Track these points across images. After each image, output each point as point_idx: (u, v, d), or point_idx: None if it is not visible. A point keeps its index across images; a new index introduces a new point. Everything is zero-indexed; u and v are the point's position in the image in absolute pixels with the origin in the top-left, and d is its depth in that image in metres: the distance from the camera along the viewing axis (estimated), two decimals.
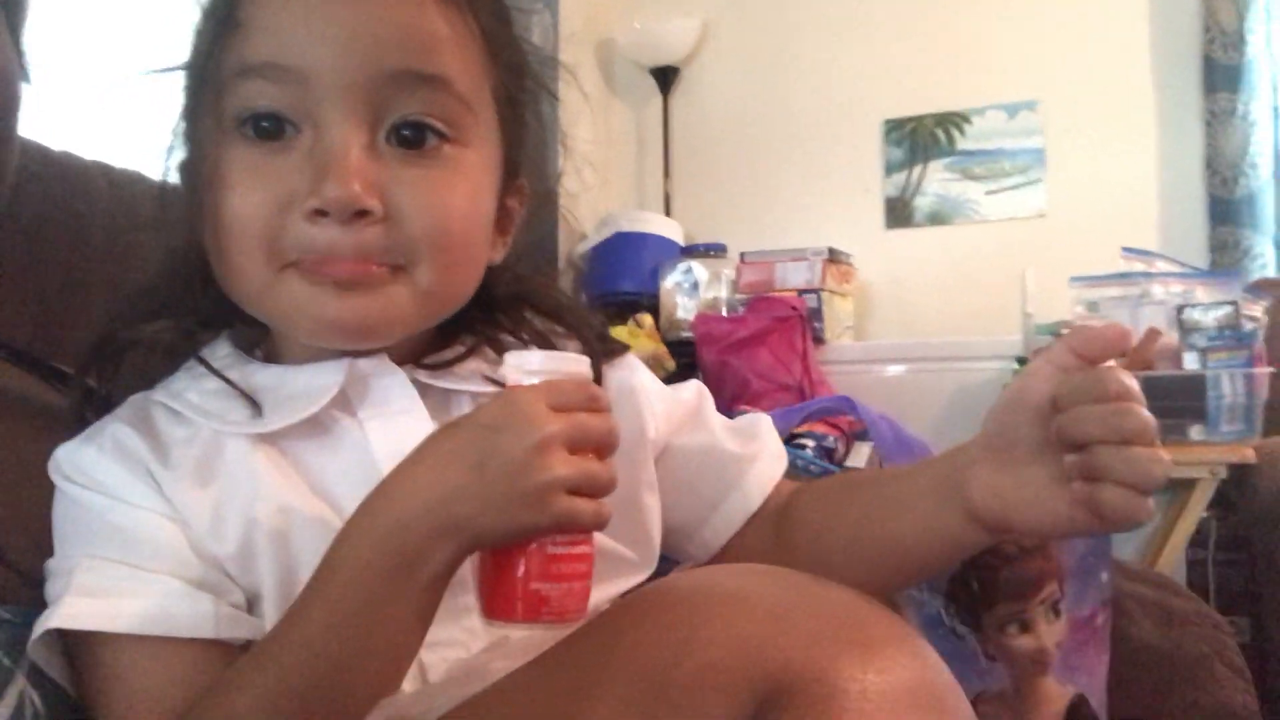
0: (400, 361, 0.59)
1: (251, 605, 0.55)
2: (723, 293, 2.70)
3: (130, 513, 0.54)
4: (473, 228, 0.57)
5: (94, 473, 0.55)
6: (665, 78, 3.06)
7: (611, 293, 2.75)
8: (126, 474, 0.54)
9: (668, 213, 3.02)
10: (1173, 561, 1.79)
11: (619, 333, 2.45)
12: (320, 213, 0.52)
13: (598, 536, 0.59)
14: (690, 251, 2.78)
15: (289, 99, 0.53)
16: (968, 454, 0.55)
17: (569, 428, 0.47)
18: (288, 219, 0.52)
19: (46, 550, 0.57)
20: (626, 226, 2.83)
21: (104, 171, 1.06)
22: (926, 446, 1.40)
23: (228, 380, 0.58)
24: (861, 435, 2.27)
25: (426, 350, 0.61)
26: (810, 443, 2.12)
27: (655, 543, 0.65)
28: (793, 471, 1.99)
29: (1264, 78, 2.38)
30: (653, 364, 2.44)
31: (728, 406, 2.31)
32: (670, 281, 2.74)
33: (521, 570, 0.48)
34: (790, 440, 2.12)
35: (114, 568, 0.52)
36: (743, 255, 2.62)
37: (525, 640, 0.54)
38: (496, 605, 0.49)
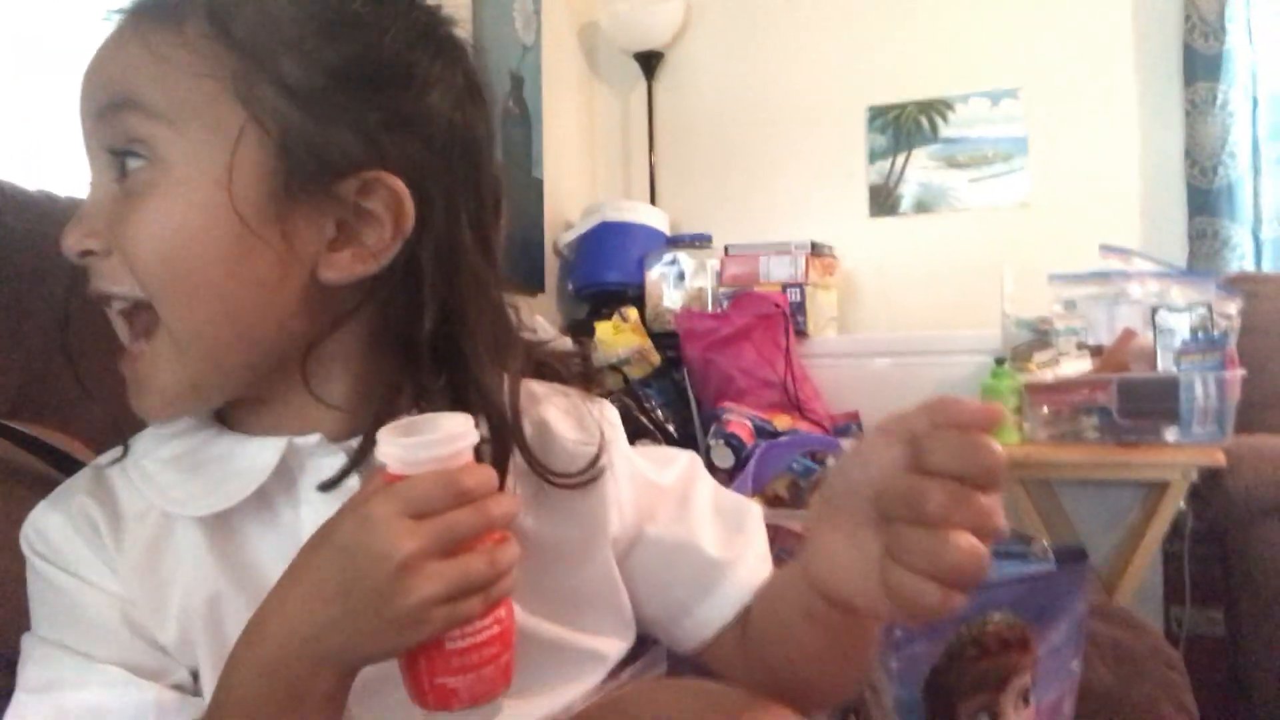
0: (346, 430, 0.57)
1: (194, 677, 0.56)
2: (708, 283, 2.71)
3: (86, 593, 0.55)
4: (185, 249, 0.52)
5: (58, 544, 0.57)
6: (649, 62, 3.05)
7: (597, 283, 2.76)
8: (86, 549, 0.56)
9: (653, 201, 3.02)
10: (1148, 557, 1.83)
11: (604, 328, 2.47)
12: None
13: (563, 633, 0.60)
14: (676, 242, 2.79)
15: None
16: (809, 539, 0.52)
17: (432, 538, 0.45)
18: None
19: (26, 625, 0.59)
20: (612, 216, 2.83)
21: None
22: None
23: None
24: (843, 430, 2.30)
25: (377, 412, 0.56)
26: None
27: (628, 621, 0.65)
28: (790, 475, 2.00)
29: (1243, 67, 2.38)
30: (639, 358, 2.46)
31: (712, 404, 2.34)
32: (656, 272, 2.75)
33: (424, 668, 0.47)
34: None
35: (65, 656, 0.55)
36: (727, 248, 2.63)
37: None
38: (414, 697, 0.49)
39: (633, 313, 2.56)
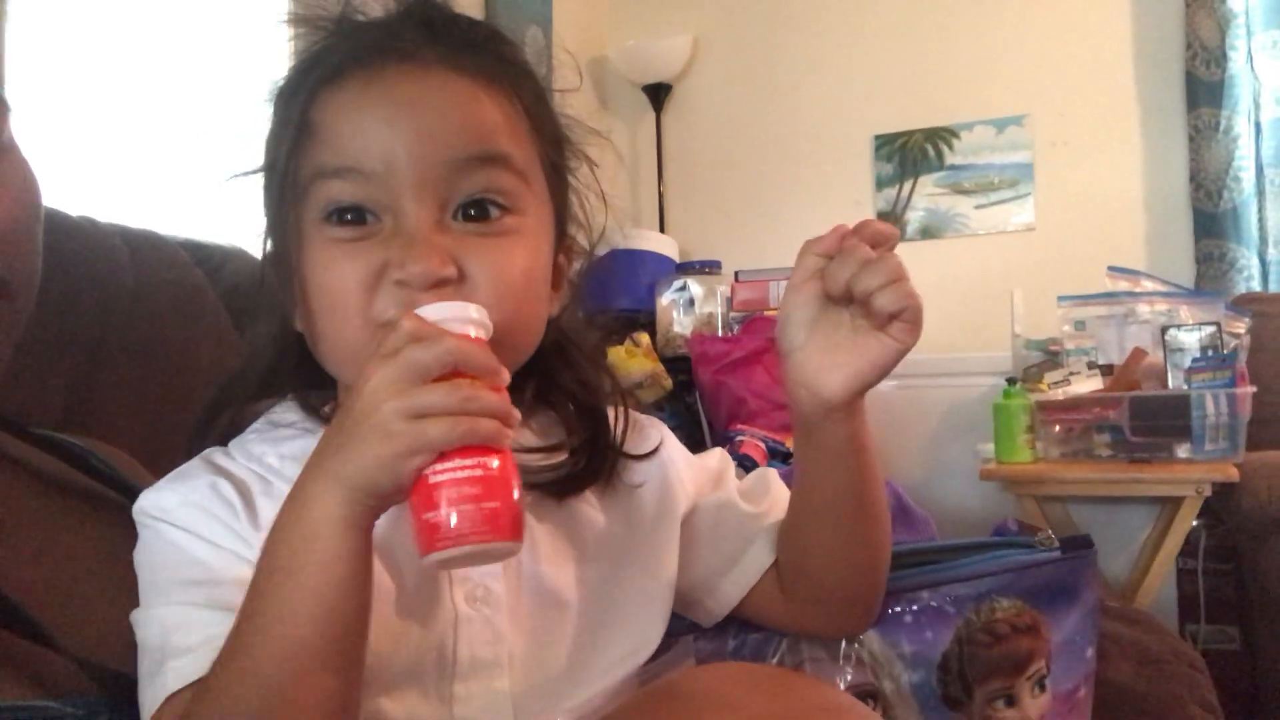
0: None
1: None
2: (718, 308, 2.74)
3: (217, 554, 0.58)
4: (534, 285, 0.63)
5: (181, 515, 0.59)
6: (658, 95, 3.10)
7: (608, 310, 2.78)
8: (215, 523, 0.59)
9: (662, 229, 3.06)
10: (1163, 574, 1.83)
11: (616, 353, 2.49)
12: (404, 283, 0.58)
13: (608, 598, 0.66)
14: (685, 268, 2.82)
15: (369, 193, 0.59)
16: (791, 378, 0.64)
17: (394, 369, 0.50)
18: (380, 284, 0.59)
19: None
20: (622, 243, 2.86)
21: (122, 234, 1.09)
22: (929, 521, 1.44)
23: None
24: None
25: None
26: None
27: (669, 601, 0.70)
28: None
29: (1245, 92, 2.42)
30: (651, 383, 2.48)
31: (725, 426, 2.36)
32: (666, 298, 2.78)
33: (415, 507, 0.51)
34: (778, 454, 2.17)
35: (203, 614, 0.56)
36: (737, 274, 2.66)
37: None
38: (419, 547, 0.51)
39: (644, 338, 2.58)
